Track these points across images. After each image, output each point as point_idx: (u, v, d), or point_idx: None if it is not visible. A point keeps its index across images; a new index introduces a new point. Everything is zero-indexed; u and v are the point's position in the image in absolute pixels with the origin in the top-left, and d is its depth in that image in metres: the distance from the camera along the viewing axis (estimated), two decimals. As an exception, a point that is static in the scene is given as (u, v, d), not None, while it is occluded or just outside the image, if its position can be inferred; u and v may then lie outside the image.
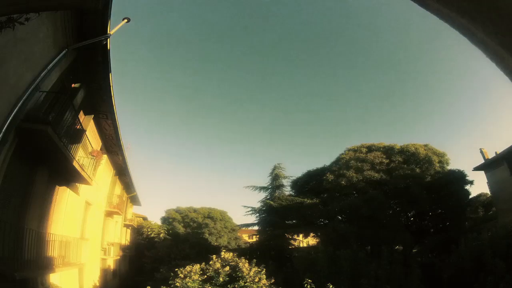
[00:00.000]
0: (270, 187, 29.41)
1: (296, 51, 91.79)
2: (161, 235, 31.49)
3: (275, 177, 29.28)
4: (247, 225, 30.59)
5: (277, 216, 24.34)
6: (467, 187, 20.71)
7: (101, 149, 14.56)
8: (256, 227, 29.22)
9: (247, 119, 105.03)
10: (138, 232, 32.84)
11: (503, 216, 16.97)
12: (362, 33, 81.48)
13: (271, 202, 25.57)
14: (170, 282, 11.14)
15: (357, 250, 14.54)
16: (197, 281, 10.78)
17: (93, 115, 12.03)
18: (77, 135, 9.51)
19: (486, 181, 19.43)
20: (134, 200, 29.47)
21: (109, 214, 19.40)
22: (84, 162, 11.11)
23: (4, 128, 6.06)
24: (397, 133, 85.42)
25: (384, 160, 21.42)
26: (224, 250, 13.50)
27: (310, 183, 25.31)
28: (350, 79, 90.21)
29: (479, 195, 26.49)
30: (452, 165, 21.80)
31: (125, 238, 27.44)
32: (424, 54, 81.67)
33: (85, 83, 10.34)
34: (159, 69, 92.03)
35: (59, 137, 7.74)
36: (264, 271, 11.73)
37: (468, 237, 13.84)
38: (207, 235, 35.09)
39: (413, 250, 21.70)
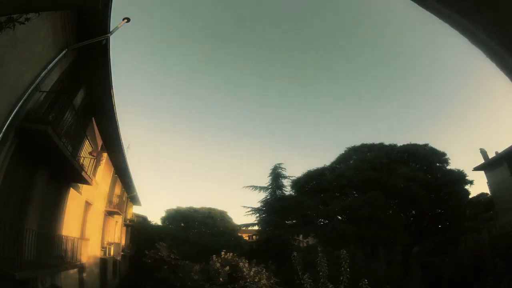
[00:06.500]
0: (270, 187, 29.38)
1: (297, 51, 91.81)
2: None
3: (275, 177, 29.24)
4: (247, 225, 30.61)
5: (277, 216, 24.35)
6: (467, 187, 20.76)
7: (101, 149, 14.55)
8: (256, 227, 29.25)
9: (247, 119, 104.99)
10: (138, 232, 32.83)
11: (503, 216, 16.98)
12: (362, 33, 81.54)
13: (271, 202, 25.54)
14: (170, 282, 11.16)
15: (357, 250, 14.52)
16: (198, 281, 10.79)
17: (93, 115, 12.02)
18: (77, 135, 9.51)
19: (486, 181, 19.45)
20: (134, 200, 29.47)
21: (109, 213, 19.40)
22: (84, 162, 11.10)
23: (4, 128, 6.05)
24: (397, 133, 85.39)
25: (384, 160, 21.41)
26: (224, 250, 13.50)
27: (310, 183, 25.30)
28: (350, 79, 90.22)
29: (479, 195, 26.48)
30: (452, 165, 21.83)
31: (125, 238, 27.45)
32: (423, 53, 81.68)
33: (85, 83, 10.34)
34: (159, 69, 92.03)
35: (59, 137, 7.74)
36: (264, 271, 11.75)
37: (468, 237, 13.82)
38: (207, 235, 35.09)
39: (413, 250, 21.68)
